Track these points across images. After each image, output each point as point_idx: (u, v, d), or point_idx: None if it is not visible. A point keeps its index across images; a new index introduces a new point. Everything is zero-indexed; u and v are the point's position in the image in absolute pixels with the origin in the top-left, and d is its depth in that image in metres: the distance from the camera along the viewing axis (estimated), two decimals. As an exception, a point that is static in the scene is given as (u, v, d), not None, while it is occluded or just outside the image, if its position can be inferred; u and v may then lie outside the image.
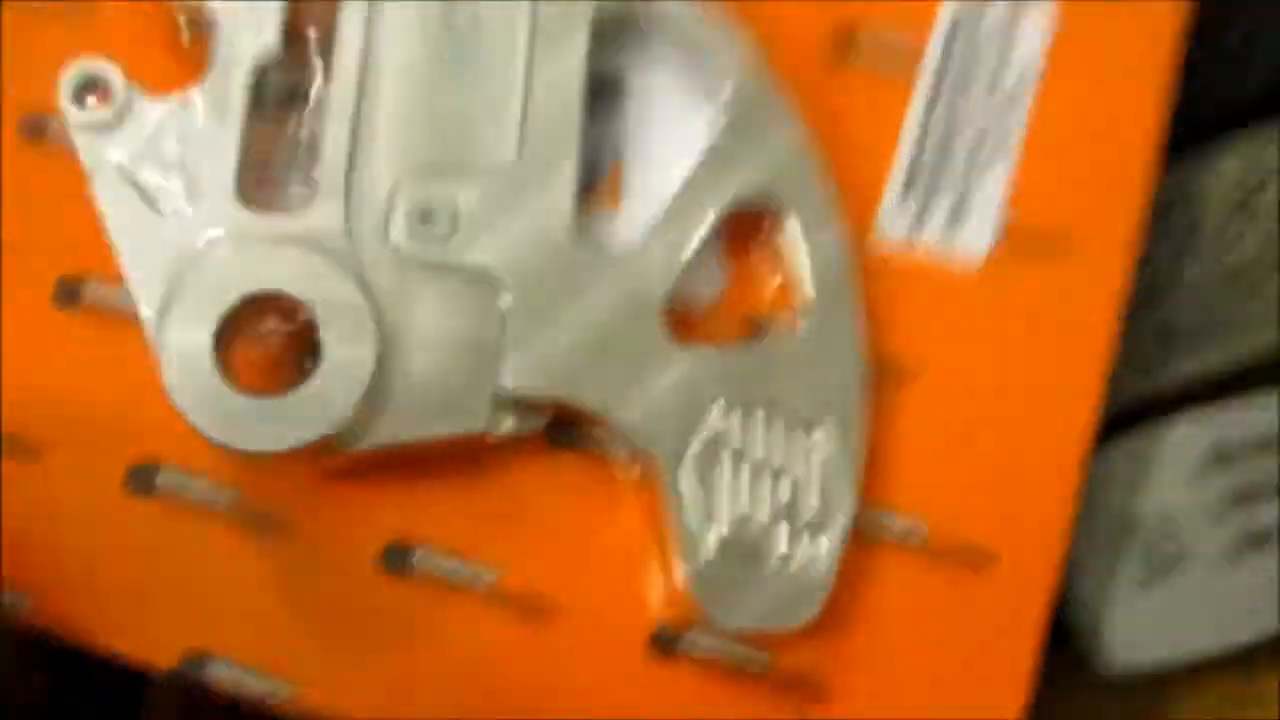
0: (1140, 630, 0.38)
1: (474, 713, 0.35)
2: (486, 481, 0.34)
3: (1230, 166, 0.39)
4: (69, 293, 0.35)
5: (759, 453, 0.33)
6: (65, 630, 0.34)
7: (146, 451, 0.34)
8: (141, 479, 0.34)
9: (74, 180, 0.33)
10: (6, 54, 0.36)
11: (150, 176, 0.33)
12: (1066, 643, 0.38)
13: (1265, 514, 0.38)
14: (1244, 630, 0.38)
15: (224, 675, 0.34)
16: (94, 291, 0.35)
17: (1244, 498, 0.38)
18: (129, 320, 0.32)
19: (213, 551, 0.34)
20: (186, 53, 0.35)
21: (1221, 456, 0.38)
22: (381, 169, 0.33)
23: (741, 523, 0.33)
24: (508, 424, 0.33)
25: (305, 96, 0.34)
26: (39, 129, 0.35)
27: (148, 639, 0.34)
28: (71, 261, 0.35)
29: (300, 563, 0.34)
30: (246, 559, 0.34)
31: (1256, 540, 0.37)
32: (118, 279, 0.32)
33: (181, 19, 0.35)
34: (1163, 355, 0.38)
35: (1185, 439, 0.38)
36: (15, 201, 0.35)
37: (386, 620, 0.34)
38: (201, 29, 0.34)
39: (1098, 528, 0.37)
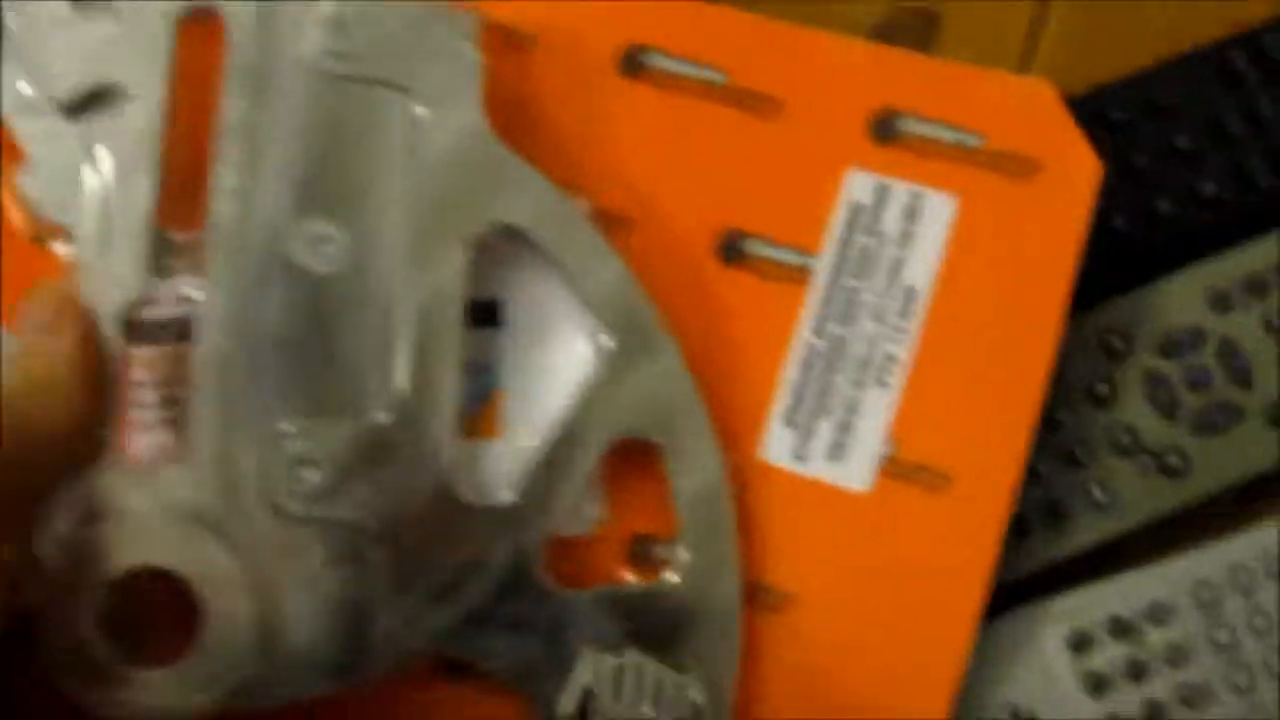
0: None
1: None
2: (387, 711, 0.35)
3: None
4: None
5: (630, 700, 0.34)
6: None
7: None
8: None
9: None
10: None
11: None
12: None
13: (1124, 699, 0.38)
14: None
15: None
16: None
17: (1101, 684, 0.39)
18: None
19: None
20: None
21: (1077, 643, 0.39)
22: (255, 420, 0.33)
23: (614, 772, 0.34)
24: (384, 666, 0.34)
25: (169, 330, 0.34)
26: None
27: None
28: None
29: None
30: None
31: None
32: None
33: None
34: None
35: (1039, 629, 0.39)
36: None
37: None
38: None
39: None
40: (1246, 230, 0.40)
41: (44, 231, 0.34)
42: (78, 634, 0.32)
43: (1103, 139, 0.35)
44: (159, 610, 0.33)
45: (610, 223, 0.36)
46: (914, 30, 0.40)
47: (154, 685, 0.32)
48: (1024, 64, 0.41)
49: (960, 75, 0.36)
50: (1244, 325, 0.39)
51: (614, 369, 0.34)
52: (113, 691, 0.32)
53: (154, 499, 0.33)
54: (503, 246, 0.35)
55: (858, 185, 0.36)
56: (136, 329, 0.34)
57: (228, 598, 0.32)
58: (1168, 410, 0.39)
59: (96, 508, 0.32)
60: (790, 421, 0.36)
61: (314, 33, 0.34)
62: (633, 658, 0.34)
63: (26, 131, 0.34)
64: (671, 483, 0.35)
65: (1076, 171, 0.35)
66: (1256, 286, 0.39)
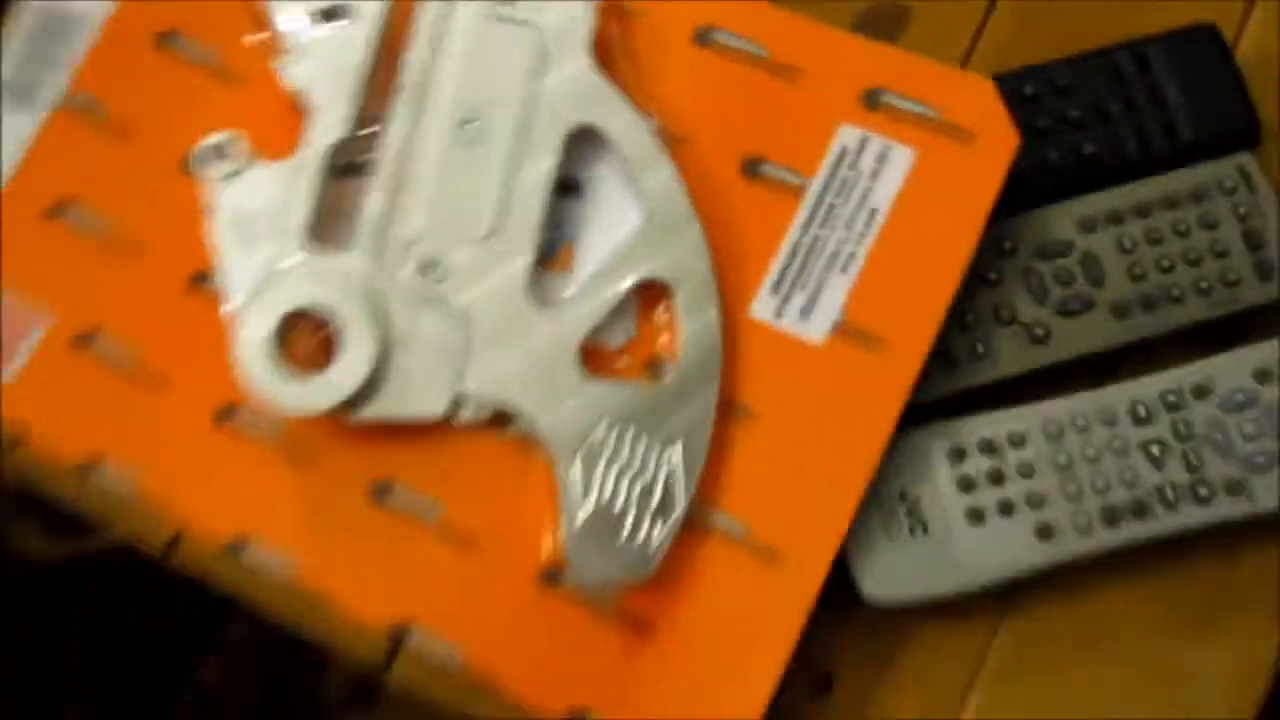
0: (886, 576, 0.50)
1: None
2: (449, 448, 0.50)
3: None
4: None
5: (625, 460, 0.48)
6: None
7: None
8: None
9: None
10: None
11: (250, 218, 0.49)
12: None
13: (985, 497, 0.50)
14: (961, 582, 0.50)
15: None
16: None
17: (969, 484, 0.51)
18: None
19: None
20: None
21: (955, 454, 0.51)
22: (403, 228, 0.49)
23: (606, 506, 0.47)
24: (465, 414, 0.49)
25: (361, 169, 0.50)
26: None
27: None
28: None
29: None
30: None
31: (976, 516, 0.50)
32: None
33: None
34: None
35: (929, 442, 0.51)
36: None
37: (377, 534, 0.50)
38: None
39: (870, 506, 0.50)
40: (1113, 180, 0.53)
41: (293, 98, 0.51)
42: (254, 353, 0.47)
43: (1017, 105, 0.50)
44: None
45: (670, 139, 0.51)
46: (889, 18, 0.55)
47: (297, 391, 0.47)
48: (971, 48, 0.55)
49: (929, 68, 0.51)
50: (1102, 244, 0.52)
51: (652, 234, 0.49)
52: (273, 392, 0.47)
53: (324, 267, 0.49)
54: (589, 144, 0.50)
55: (847, 135, 0.50)
56: (335, 167, 0.50)
57: (358, 330, 0.48)
58: (1039, 296, 0.52)
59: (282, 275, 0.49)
60: (775, 291, 0.49)
61: (486, -13, 0.51)
62: (633, 430, 0.48)
63: (289, 32, 0.51)
64: (680, 320, 0.49)
65: (1000, 141, 0.49)
66: (1115, 219, 0.52)
